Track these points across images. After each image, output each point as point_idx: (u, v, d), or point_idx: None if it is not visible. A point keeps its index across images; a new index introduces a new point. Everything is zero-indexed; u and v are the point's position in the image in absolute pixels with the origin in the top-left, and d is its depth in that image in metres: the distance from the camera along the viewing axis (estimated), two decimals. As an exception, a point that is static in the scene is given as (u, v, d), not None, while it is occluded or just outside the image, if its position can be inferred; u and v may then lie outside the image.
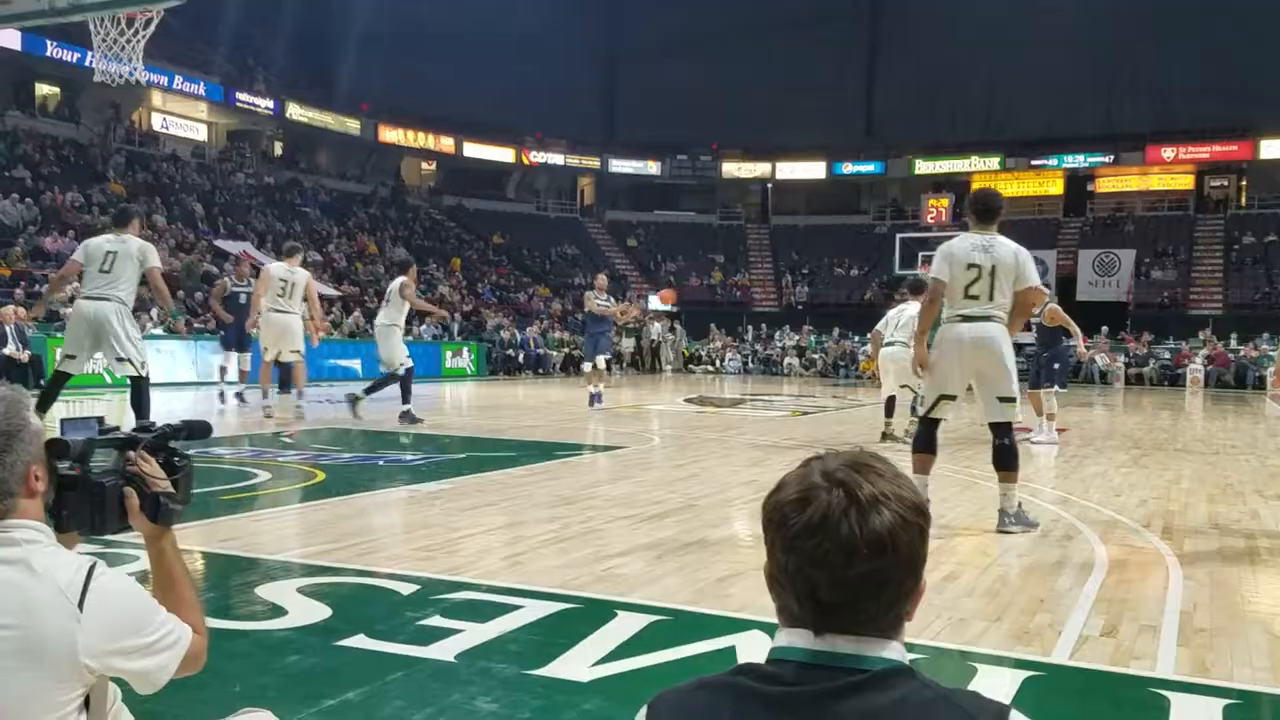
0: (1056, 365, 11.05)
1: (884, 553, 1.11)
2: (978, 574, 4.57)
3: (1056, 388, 10.96)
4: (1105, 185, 42.16)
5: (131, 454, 1.86)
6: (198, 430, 2.07)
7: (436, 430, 10.95)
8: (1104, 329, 28.29)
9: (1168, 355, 28.40)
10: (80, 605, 1.57)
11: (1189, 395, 23.78)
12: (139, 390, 8.20)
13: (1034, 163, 41.98)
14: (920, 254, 28.47)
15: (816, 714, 1.10)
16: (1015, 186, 42.57)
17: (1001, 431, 5.81)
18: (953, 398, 6.01)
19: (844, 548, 1.10)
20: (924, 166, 43.13)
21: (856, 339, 31.39)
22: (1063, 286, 33.66)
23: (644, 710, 1.20)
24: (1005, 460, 5.74)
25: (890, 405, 10.73)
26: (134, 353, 8.04)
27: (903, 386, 10.25)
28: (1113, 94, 39.85)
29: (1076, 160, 41.62)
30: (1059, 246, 37.48)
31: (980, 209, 5.87)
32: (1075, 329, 11.19)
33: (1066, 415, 13.18)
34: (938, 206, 34.74)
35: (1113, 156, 41.08)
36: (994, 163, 42.29)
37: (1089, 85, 39.67)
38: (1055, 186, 42.26)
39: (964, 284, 5.71)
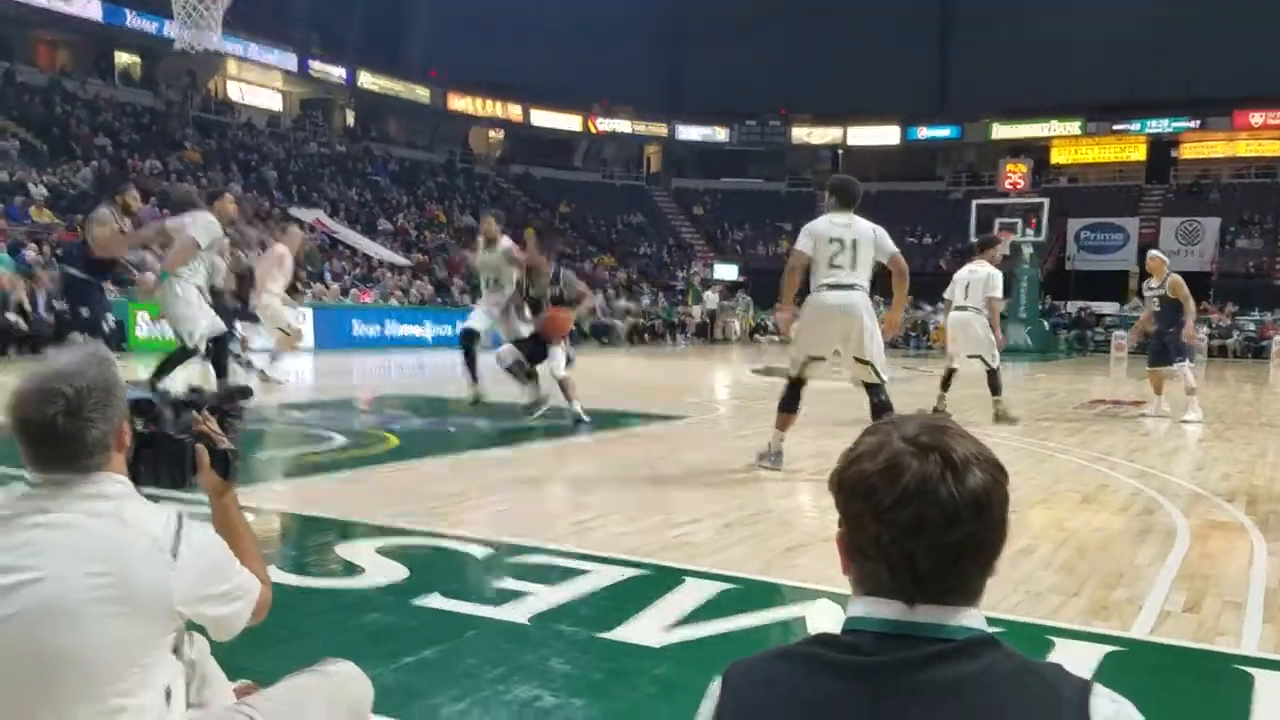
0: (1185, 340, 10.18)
1: (982, 514, 1.10)
2: (1054, 547, 4.49)
3: (1188, 363, 10.16)
4: (1190, 151, 40.81)
5: (197, 414, 1.94)
6: (243, 393, 2.20)
7: (505, 399, 11.05)
8: (1186, 299, 27.39)
9: (1252, 327, 27.51)
10: (174, 554, 1.64)
11: (1274, 368, 23.02)
12: (174, 359, 8.27)
13: (1116, 127, 40.78)
14: (997, 221, 27.82)
15: (898, 684, 1.08)
16: (1096, 152, 41.46)
17: (874, 391, 6.41)
18: (821, 359, 6.54)
19: (944, 513, 1.08)
20: (1001, 131, 42.13)
21: (928, 308, 30.91)
22: (1144, 255, 32.79)
23: (717, 680, 1.19)
24: (879, 416, 5.98)
25: (949, 378, 10.06)
26: (183, 329, 8.14)
27: (971, 357, 9.79)
28: (1198, 57, 38.37)
29: (1160, 125, 40.32)
30: (1141, 214, 36.45)
31: (841, 195, 6.40)
32: (1190, 307, 10.15)
33: (1144, 388, 12.87)
34: (1015, 172, 33.88)
35: (1198, 121, 39.73)
36: (1074, 127, 41.18)
37: (1174, 47, 38.27)
38: (1138, 152, 41.02)
39: (828, 256, 6.22)
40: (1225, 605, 3.69)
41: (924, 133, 43.89)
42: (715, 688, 1.18)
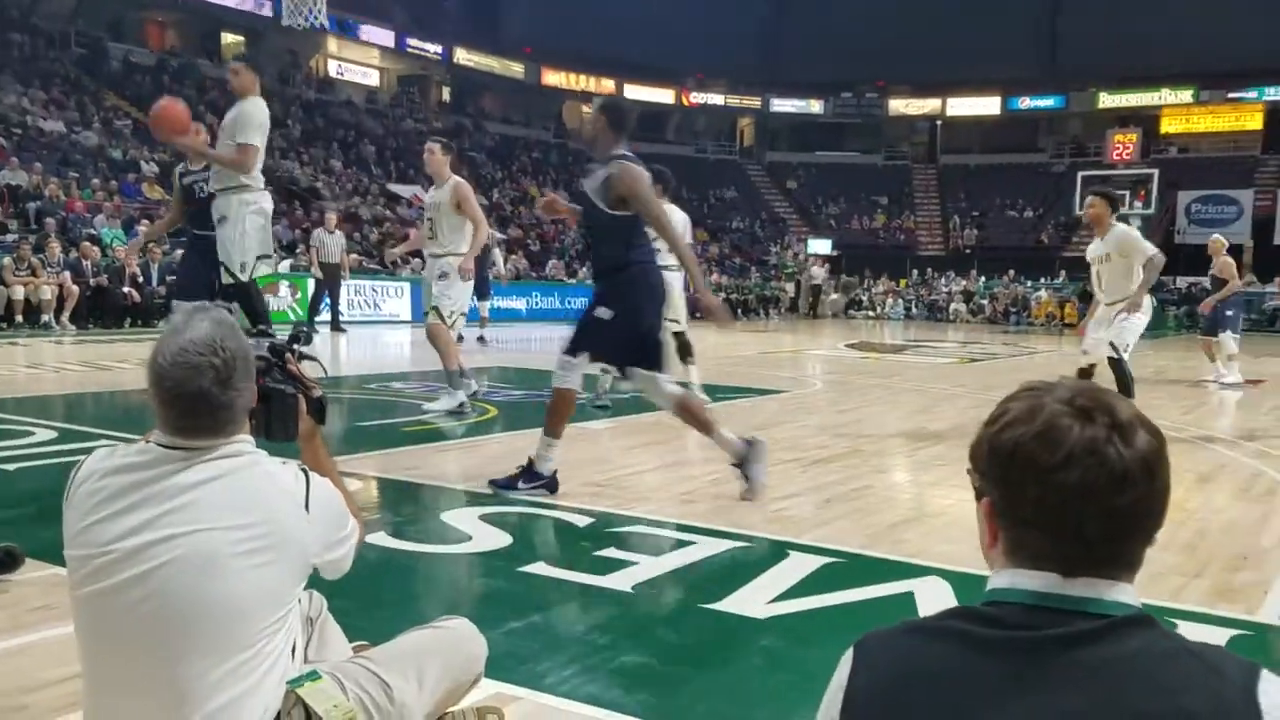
0: (1229, 312, 11.58)
1: (1153, 477, 1.06)
2: (1174, 528, 4.33)
3: (1230, 332, 11.46)
4: (1311, 119, 38.74)
5: (290, 358, 1.98)
6: (307, 337, 2.22)
7: (600, 371, 11.09)
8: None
9: (1380, 303, 26.13)
10: (306, 507, 1.70)
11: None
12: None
13: (1231, 95, 38.92)
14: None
15: (1048, 661, 1.03)
16: (1209, 121, 39.69)
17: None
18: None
19: (1114, 475, 1.04)
20: (1108, 100, 40.63)
21: (1029, 284, 30.11)
22: (1260, 228, 31.32)
23: (850, 651, 1.16)
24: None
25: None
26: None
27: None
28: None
29: (1278, 92, 38.32)
30: (1256, 185, 34.82)
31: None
32: (1235, 281, 11.69)
33: (1264, 366, 12.34)
34: (1124, 142, 32.65)
35: (1321, 87, 37.68)
36: (1186, 95, 39.47)
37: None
38: (1254, 121, 39.09)
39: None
40: (1361, 592, 3.51)
41: (1026, 103, 42.52)
42: (848, 658, 1.15)
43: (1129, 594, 1.08)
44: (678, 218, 7.24)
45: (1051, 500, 1.06)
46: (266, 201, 7.02)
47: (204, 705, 1.61)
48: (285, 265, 19.47)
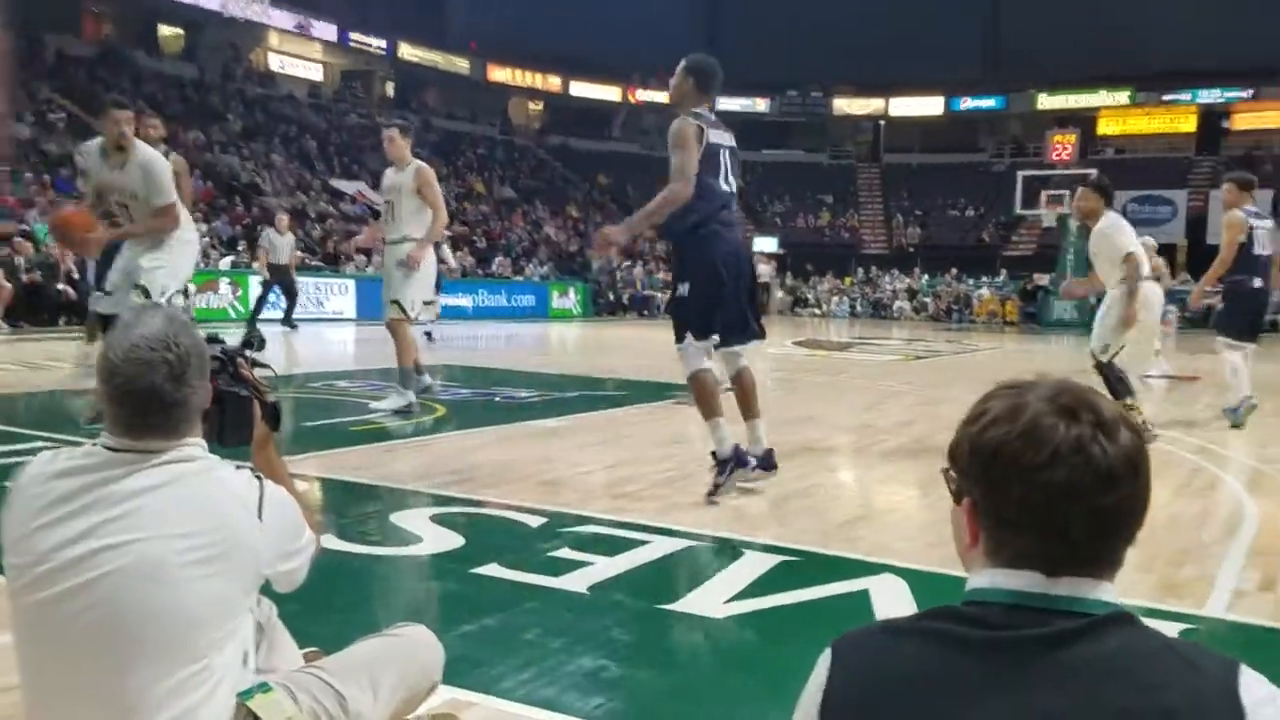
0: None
1: (1137, 476, 1.05)
2: (1118, 523, 4.39)
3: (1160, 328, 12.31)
4: (1242, 122, 39.83)
5: (242, 362, 1.91)
6: (260, 342, 2.13)
7: (549, 369, 11.06)
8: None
9: (1307, 302, 26.90)
10: (260, 514, 1.64)
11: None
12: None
13: (1165, 97, 39.85)
14: (1044, 193, 27.38)
15: (1029, 661, 1.02)
16: (1145, 123, 40.60)
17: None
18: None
19: (1101, 474, 1.03)
20: (1047, 101, 41.38)
21: (971, 282, 30.57)
22: (1193, 228, 32.10)
23: (828, 651, 1.14)
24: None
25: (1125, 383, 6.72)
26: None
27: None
28: (1252, 23, 37.34)
29: (1212, 95, 39.34)
30: (1190, 186, 35.66)
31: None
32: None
33: (1199, 363, 12.63)
34: (1063, 143, 33.25)
35: (1251, 91, 38.73)
36: (1123, 97, 40.33)
37: (1227, 14, 37.30)
38: (1187, 123, 40.10)
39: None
40: (1302, 584, 3.58)
41: (967, 103, 43.17)
42: (826, 659, 1.13)
43: (1110, 593, 1.07)
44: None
45: (1037, 500, 1.04)
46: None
47: (151, 719, 1.54)
48: (226, 262, 19.12)
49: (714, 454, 4.63)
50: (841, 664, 1.11)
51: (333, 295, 19.83)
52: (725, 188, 4.56)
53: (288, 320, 15.95)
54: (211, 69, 32.25)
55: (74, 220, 6.16)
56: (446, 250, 18.65)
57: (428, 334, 14.57)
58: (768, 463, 4.76)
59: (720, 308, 4.57)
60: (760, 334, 4.85)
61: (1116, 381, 6.54)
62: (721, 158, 4.54)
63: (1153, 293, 7.03)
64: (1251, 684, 0.98)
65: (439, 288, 14.84)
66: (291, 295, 16.18)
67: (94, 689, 1.56)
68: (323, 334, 16.30)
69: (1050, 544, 1.05)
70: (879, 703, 1.05)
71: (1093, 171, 27.91)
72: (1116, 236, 6.68)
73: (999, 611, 1.06)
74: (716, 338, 4.68)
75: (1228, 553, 3.99)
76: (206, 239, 19.63)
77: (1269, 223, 7.78)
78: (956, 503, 1.15)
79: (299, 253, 19.68)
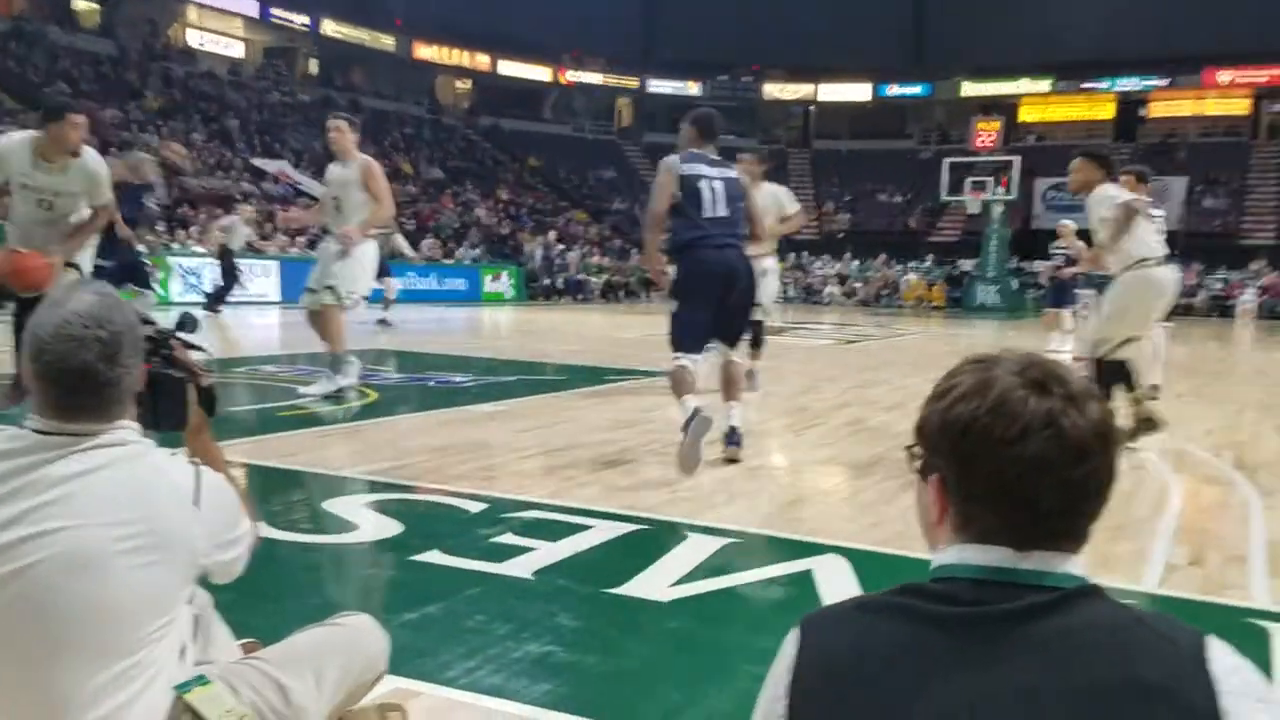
0: (1076, 291, 13.66)
1: (1106, 448, 1.05)
2: (1052, 501, 4.47)
3: (1071, 309, 13.59)
4: (1158, 110, 40.97)
5: (176, 344, 1.84)
6: (193, 323, 2.08)
7: (484, 353, 10.94)
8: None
9: (1219, 286, 27.84)
10: (196, 502, 1.57)
11: (1239, 326, 23.33)
12: None
13: (1084, 85, 40.81)
14: (969, 180, 27.85)
15: (1000, 636, 1.01)
16: (1064, 110, 41.53)
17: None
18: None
19: (1073, 447, 1.02)
20: (971, 89, 42.06)
21: (899, 267, 31.00)
22: (1111, 214, 32.86)
23: (795, 631, 1.12)
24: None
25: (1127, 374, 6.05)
26: None
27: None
28: (1169, 14, 38.43)
29: (1130, 83, 40.39)
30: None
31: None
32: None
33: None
34: (987, 130, 33.84)
35: (1168, 80, 39.85)
36: (1044, 85, 41.19)
37: (1146, 4, 38.29)
38: (1106, 111, 41.13)
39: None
40: (1228, 559, 3.69)
41: (894, 90, 43.69)
42: (794, 638, 1.11)
43: (1079, 566, 1.07)
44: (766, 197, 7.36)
45: (1007, 474, 1.03)
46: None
47: (83, 715, 1.46)
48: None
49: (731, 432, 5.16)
50: (810, 643, 1.09)
51: (256, 278, 19.34)
52: (706, 215, 4.90)
53: (216, 303, 15.53)
54: (129, 45, 31.19)
55: (26, 264, 5.55)
56: (401, 240, 18.31)
57: (383, 320, 14.14)
58: (730, 438, 5.11)
59: (702, 325, 5.00)
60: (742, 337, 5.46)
61: (1108, 376, 5.69)
62: (702, 189, 4.91)
63: (1165, 277, 5.98)
64: (1219, 654, 0.98)
65: (388, 272, 14.53)
66: (232, 280, 16.00)
67: (22, 685, 1.48)
68: (246, 317, 15.91)
69: (1019, 518, 1.04)
70: (849, 681, 1.03)
71: (1015, 159, 28.58)
72: (1096, 206, 5.88)
73: (968, 587, 1.05)
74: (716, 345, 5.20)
75: (1157, 529, 4.09)
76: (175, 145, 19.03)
77: (1163, 212, 8.14)
78: (923, 479, 1.14)
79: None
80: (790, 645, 1.10)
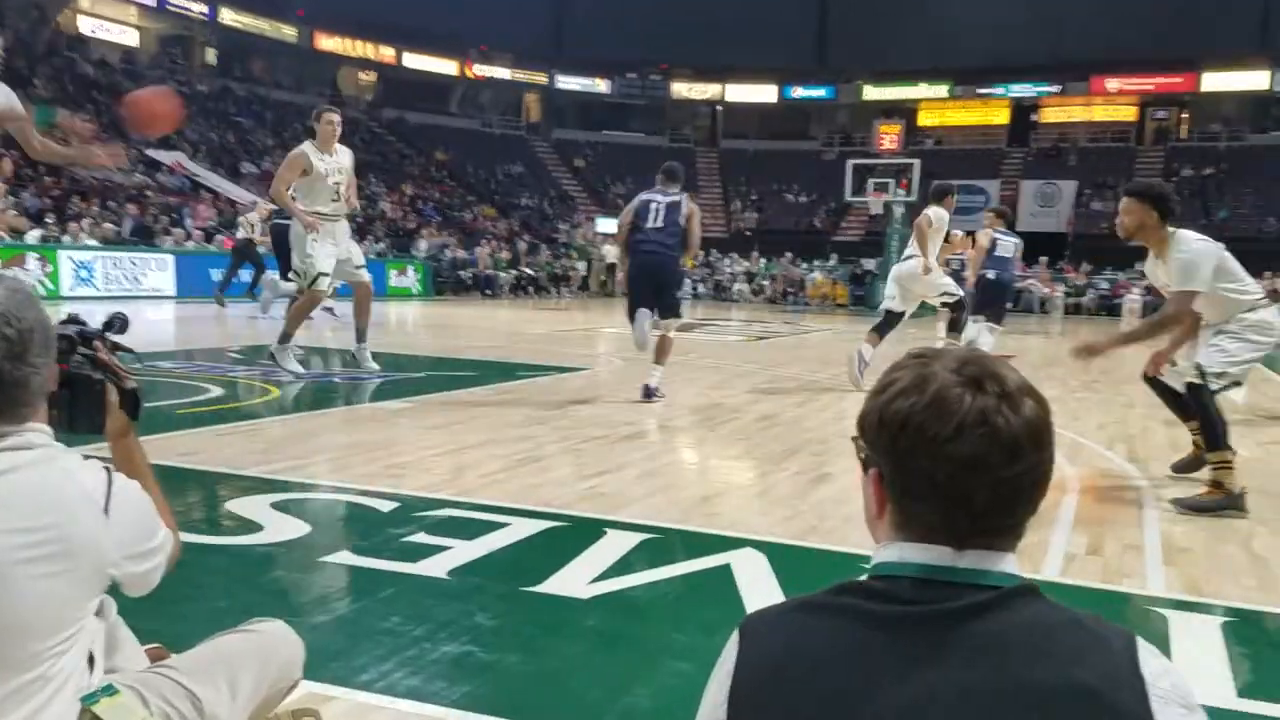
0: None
1: (1040, 447, 1.04)
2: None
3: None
4: (1049, 115, 42.42)
5: (100, 345, 1.74)
6: (122, 323, 1.93)
7: (392, 349, 10.73)
8: (1043, 259, 28.79)
9: (1106, 286, 28.93)
10: (106, 510, 1.48)
11: (1126, 325, 24.29)
12: None
13: (980, 91, 42.00)
14: (871, 181, 28.41)
15: (941, 635, 1.01)
16: (961, 115, 42.69)
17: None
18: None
19: (1006, 446, 1.02)
20: (873, 92, 42.92)
21: (804, 266, 31.46)
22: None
23: (735, 633, 1.10)
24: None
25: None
26: None
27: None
28: (1061, 22, 39.84)
29: (1024, 89, 41.72)
30: (1002, 176, 37.75)
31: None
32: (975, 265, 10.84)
33: (1008, 341, 13.40)
34: (889, 133, 34.60)
35: (1059, 87, 41.28)
36: (942, 90, 42.26)
37: (1038, 12, 39.63)
38: (1001, 116, 42.39)
39: None
40: (1126, 548, 3.82)
41: (799, 92, 44.32)
42: (734, 641, 1.10)
43: (1013, 564, 1.07)
44: None
45: (943, 472, 1.03)
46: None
47: None
48: (34, 235, 17.78)
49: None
50: (749, 646, 1.08)
51: (150, 271, 18.67)
52: (649, 225, 7.17)
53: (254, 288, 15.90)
54: (17, 31, 29.77)
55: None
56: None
57: (329, 309, 13.59)
58: (644, 391, 7.31)
59: (639, 299, 7.33)
60: (673, 313, 7.51)
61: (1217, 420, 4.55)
62: (650, 208, 7.23)
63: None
64: (1148, 657, 1.00)
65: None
66: (260, 268, 15.96)
67: None
68: (140, 312, 15.34)
69: (955, 516, 1.04)
70: (791, 684, 1.02)
71: (915, 161, 29.24)
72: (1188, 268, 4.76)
73: (908, 585, 1.05)
74: (646, 311, 7.32)
75: (1057, 519, 4.21)
76: (13, 212, 18.21)
77: (1015, 239, 10.81)
78: (865, 472, 1.14)
79: (111, 225, 18.47)
80: (730, 649, 1.09)
